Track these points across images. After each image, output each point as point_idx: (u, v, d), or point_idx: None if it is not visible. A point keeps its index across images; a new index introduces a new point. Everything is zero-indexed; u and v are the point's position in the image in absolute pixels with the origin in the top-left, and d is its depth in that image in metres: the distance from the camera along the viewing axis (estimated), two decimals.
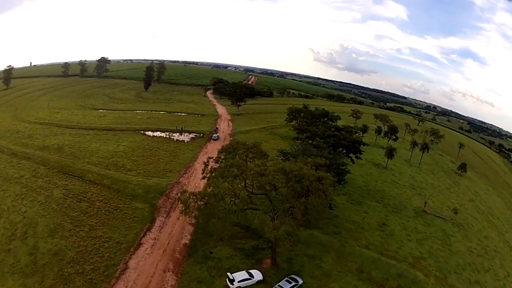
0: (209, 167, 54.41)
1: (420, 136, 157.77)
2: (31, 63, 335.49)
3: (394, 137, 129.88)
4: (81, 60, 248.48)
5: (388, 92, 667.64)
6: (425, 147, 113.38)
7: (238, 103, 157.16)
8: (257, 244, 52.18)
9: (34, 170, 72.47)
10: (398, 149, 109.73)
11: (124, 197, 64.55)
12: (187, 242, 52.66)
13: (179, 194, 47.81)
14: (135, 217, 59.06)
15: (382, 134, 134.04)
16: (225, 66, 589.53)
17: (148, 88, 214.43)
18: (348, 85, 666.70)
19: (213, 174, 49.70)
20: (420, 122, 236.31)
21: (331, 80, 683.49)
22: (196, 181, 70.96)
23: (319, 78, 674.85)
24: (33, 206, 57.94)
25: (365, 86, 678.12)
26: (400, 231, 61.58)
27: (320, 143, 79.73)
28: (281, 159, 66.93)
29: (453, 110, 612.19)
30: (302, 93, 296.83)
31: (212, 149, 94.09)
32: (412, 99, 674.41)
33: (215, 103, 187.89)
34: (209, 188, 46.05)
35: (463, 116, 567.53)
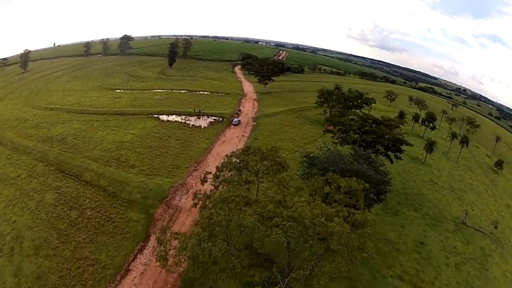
0: (203, 190, 40.63)
1: (457, 125, 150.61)
2: (54, 43, 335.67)
3: (431, 125, 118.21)
4: (103, 39, 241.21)
5: (419, 71, 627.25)
6: (464, 141, 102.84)
7: (265, 81, 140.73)
8: (269, 277, 38.47)
9: (32, 168, 66.37)
10: (436, 140, 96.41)
11: (118, 204, 54.13)
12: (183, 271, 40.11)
13: (157, 233, 34.95)
14: (127, 232, 48.52)
15: (420, 121, 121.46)
16: (256, 41, 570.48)
17: (172, 64, 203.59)
18: (380, 63, 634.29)
19: (203, 214, 35.18)
20: (454, 107, 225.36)
21: (362, 57, 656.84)
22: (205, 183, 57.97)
23: (350, 55, 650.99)
24: (23, 215, 52.78)
25: (396, 64, 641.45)
26: (438, 253, 53.07)
27: (355, 137, 63.92)
28: (304, 170, 51.33)
29: (482, 95, 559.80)
30: (334, 70, 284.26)
31: (231, 137, 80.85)
32: (443, 80, 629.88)
33: (242, 80, 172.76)
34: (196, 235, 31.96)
35: (492, 101, 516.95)
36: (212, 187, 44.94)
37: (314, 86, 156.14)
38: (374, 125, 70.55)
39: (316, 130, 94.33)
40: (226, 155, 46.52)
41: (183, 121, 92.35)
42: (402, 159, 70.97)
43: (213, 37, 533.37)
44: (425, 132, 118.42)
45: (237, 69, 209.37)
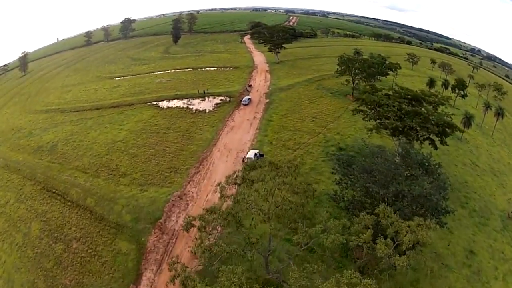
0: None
1: (486, 91, 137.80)
2: (57, 38, 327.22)
3: (462, 93, 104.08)
4: (103, 26, 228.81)
5: (432, 31, 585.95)
6: (500, 113, 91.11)
7: (277, 50, 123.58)
8: None
9: (20, 189, 59.37)
10: (468, 110, 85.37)
11: (106, 231, 43.77)
12: None
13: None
14: (115, 271, 38.28)
15: (450, 88, 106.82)
16: (265, 9, 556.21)
17: (177, 41, 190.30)
18: (392, 24, 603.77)
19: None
20: (475, 69, 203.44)
21: (374, 18, 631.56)
22: (208, 190, 45.80)
23: (361, 17, 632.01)
24: (11, 253, 46.88)
25: (408, 24, 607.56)
26: (487, 263, 42.78)
27: (397, 124, 48.69)
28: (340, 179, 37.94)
29: (497, 56, 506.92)
30: (347, 33, 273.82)
31: (240, 121, 67.63)
32: (457, 40, 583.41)
33: (252, 50, 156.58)
34: None
35: (508, 63, 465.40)
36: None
37: (329, 50, 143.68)
38: (414, 103, 54.02)
39: (339, 104, 79.56)
40: (219, 185, 32.53)
41: (185, 106, 79.44)
42: (448, 145, 55.03)
43: (220, 9, 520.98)
44: (455, 100, 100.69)
45: (247, 39, 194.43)
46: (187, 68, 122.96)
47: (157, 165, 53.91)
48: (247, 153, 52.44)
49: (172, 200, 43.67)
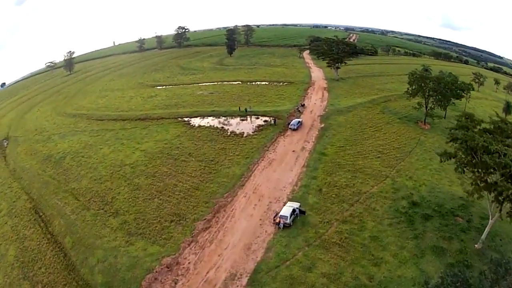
0: None
1: None
2: (114, 42, 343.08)
3: None
4: (156, 33, 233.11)
5: (484, 50, 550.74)
6: None
7: (336, 64, 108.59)
8: None
9: (14, 202, 54.45)
10: None
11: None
12: None
13: None
14: None
15: None
16: (325, 26, 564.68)
17: (232, 53, 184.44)
18: (447, 42, 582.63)
19: None
20: None
21: (431, 38, 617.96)
22: (212, 263, 31.99)
23: (419, 36, 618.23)
24: None
25: (463, 43, 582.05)
26: None
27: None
28: None
29: None
30: (408, 51, 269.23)
31: (284, 153, 53.98)
32: (507, 59, 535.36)
33: (311, 65, 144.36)
34: None
35: None
36: None
37: (393, 68, 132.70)
38: None
39: (409, 133, 63.71)
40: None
41: (220, 125, 68.08)
42: None
43: (281, 25, 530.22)
44: None
45: (306, 53, 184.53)
46: (236, 81, 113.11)
47: (158, 208, 41.93)
48: (282, 206, 38.04)
49: (157, 271, 30.57)
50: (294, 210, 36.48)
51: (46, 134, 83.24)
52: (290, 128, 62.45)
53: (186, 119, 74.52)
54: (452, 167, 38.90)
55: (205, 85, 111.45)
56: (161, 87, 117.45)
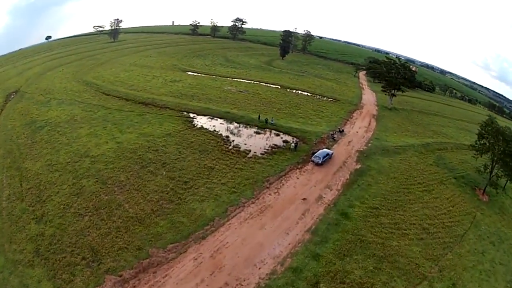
0: None
1: None
2: (173, 22, 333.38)
3: None
4: (212, 20, 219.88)
5: None
6: None
7: (393, 91, 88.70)
8: None
9: None
10: None
11: None
12: None
13: None
14: None
15: None
16: (386, 52, 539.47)
17: (285, 56, 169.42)
18: (500, 96, 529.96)
19: None
20: None
21: (485, 87, 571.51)
22: None
23: (474, 83, 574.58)
24: None
25: None
26: None
27: None
28: None
29: None
30: (466, 96, 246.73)
31: (288, 202, 36.04)
32: None
33: (364, 86, 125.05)
34: None
35: None
36: None
37: (450, 111, 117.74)
38: None
39: (464, 204, 43.24)
40: None
41: (226, 133, 52.21)
42: None
43: (344, 41, 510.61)
44: None
45: (362, 74, 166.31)
46: (275, 85, 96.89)
47: (82, 231, 29.96)
48: None
49: None
50: None
51: (49, 96, 74.10)
52: (313, 161, 44.75)
53: (192, 115, 60.01)
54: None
55: (240, 81, 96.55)
56: (192, 73, 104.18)
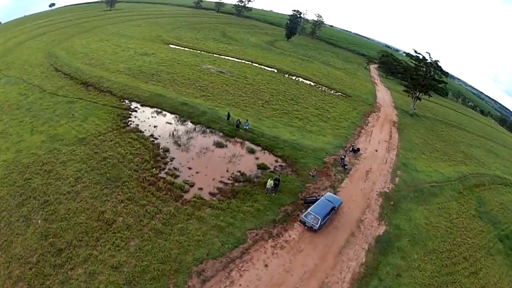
0: None
1: None
2: None
3: None
4: None
5: None
6: None
7: (418, 93, 66.57)
8: None
9: None
10: None
11: None
12: None
13: None
14: None
15: None
16: (396, 50, 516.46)
17: (290, 37, 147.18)
18: (506, 110, 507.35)
19: None
20: None
21: (492, 99, 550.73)
22: None
23: (481, 92, 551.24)
24: None
25: None
26: None
27: None
28: None
29: None
30: (477, 107, 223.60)
31: None
32: None
33: (376, 81, 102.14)
34: None
35: None
36: None
37: (468, 122, 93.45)
38: None
39: None
40: None
41: (169, 141, 31.38)
42: None
43: (355, 33, 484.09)
44: None
45: (373, 67, 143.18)
46: (271, 67, 74.97)
47: None
48: None
49: None
50: None
51: (3, 73, 53.23)
52: (303, 223, 22.81)
53: (134, 105, 38.74)
54: None
55: (227, 59, 74.64)
56: (175, 46, 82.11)
